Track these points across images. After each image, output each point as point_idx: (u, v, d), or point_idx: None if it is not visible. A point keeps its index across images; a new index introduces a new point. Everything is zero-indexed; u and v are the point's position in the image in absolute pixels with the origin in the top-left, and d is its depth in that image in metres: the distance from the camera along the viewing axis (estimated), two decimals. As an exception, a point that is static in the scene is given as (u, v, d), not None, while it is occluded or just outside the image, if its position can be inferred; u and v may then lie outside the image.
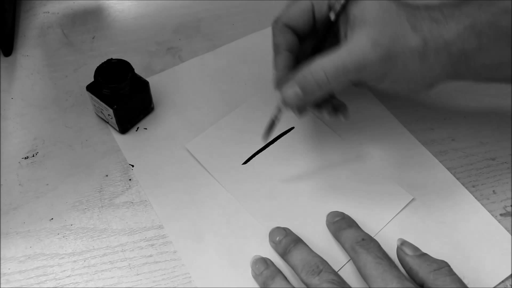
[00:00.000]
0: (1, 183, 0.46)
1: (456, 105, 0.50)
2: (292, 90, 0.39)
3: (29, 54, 0.56)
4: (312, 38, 0.44)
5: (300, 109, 0.42)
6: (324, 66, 0.38)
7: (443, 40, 0.39)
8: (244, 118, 0.50)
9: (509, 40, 0.39)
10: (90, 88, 0.47)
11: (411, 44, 0.38)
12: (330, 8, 0.41)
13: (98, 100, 0.46)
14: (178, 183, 0.46)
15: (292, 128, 0.49)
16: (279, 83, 0.42)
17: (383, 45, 0.38)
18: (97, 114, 0.50)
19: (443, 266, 0.36)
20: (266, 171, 0.46)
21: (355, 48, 0.38)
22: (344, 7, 0.38)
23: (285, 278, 0.39)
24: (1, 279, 0.41)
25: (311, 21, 0.42)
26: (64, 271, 0.41)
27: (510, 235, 0.42)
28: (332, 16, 0.39)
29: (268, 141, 0.48)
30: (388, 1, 0.40)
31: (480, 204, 0.44)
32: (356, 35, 0.38)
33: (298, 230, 0.42)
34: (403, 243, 0.38)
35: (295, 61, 0.43)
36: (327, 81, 0.38)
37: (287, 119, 0.50)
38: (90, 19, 0.60)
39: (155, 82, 0.52)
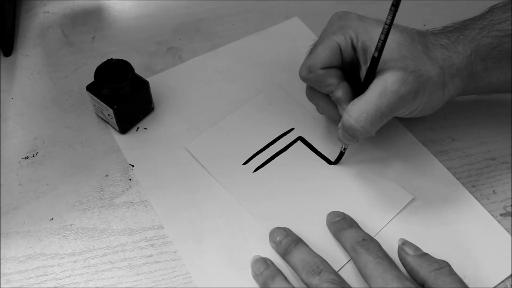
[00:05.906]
0: (1, 183, 0.46)
1: (456, 105, 0.50)
2: (345, 137, 0.42)
3: (29, 54, 0.56)
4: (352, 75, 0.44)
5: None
6: (359, 119, 0.39)
7: (456, 67, 0.40)
8: (244, 119, 0.50)
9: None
10: (90, 88, 0.47)
11: (432, 75, 0.40)
12: (354, 48, 0.41)
13: (98, 100, 0.46)
14: (178, 183, 0.46)
15: (292, 129, 0.49)
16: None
17: (410, 82, 0.39)
18: (97, 114, 0.50)
19: (444, 266, 0.36)
20: (266, 172, 0.46)
21: (385, 90, 0.38)
22: (384, 43, 0.37)
23: (285, 278, 0.39)
24: (1, 279, 0.41)
25: (341, 60, 0.42)
26: (64, 271, 0.41)
27: (510, 235, 0.42)
28: (376, 54, 0.38)
29: (270, 142, 0.48)
30: (401, 34, 0.40)
31: (480, 204, 0.44)
32: (382, 76, 0.39)
33: (298, 230, 0.42)
34: (404, 243, 0.38)
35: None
36: (365, 132, 0.40)
37: (287, 120, 0.50)
38: (90, 19, 0.60)
39: (155, 82, 0.52)
